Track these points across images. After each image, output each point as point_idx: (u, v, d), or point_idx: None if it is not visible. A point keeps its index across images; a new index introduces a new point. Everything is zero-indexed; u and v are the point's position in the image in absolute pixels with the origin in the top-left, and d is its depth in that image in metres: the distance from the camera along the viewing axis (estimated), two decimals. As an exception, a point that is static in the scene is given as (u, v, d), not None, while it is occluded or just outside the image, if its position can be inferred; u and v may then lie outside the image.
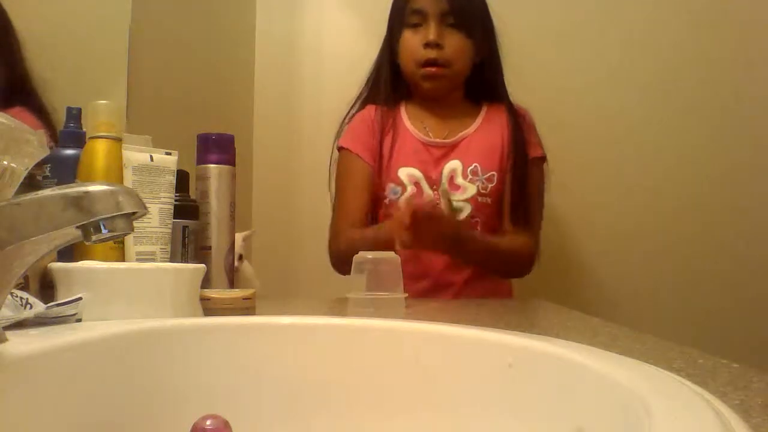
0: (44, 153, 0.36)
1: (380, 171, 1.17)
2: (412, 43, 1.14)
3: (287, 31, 1.67)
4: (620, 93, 1.60)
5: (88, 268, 0.55)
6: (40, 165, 0.69)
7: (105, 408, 0.42)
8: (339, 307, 0.83)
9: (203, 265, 0.61)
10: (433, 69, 1.13)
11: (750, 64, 1.57)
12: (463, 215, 1.14)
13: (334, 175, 1.22)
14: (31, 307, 0.45)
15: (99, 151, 0.67)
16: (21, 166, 0.34)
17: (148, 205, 0.63)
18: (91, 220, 0.33)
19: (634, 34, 1.60)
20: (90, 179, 0.66)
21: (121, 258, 0.67)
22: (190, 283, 0.59)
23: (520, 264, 1.17)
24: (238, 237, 0.99)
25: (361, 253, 0.82)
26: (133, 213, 0.34)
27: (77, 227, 0.33)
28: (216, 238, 0.81)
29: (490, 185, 1.15)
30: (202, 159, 0.82)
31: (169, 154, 0.72)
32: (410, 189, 1.15)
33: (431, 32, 1.12)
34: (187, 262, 0.76)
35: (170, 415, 0.45)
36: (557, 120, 1.51)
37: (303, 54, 1.66)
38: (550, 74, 1.58)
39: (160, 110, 1.17)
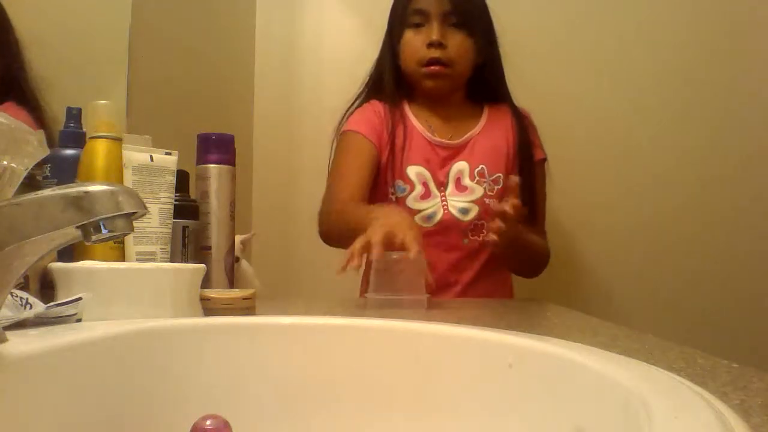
0: (44, 153, 0.36)
1: (388, 165, 1.16)
2: (415, 43, 1.14)
3: (287, 31, 1.67)
4: (619, 94, 1.60)
5: (88, 268, 0.55)
6: (40, 165, 0.69)
7: (105, 408, 0.42)
8: (339, 307, 0.83)
9: (203, 265, 0.61)
10: (436, 68, 1.13)
11: (749, 64, 1.58)
12: (470, 217, 1.13)
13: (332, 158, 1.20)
14: (31, 307, 0.45)
15: (99, 151, 0.67)
16: (21, 166, 0.34)
17: (148, 205, 0.63)
18: (91, 220, 0.33)
19: (633, 35, 1.60)
20: (90, 179, 0.66)
21: (121, 258, 0.67)
22: (190, 283, 0.59)
23: (543, 264, 1.20)
24: (236, 239, 0.99)
25: (385, 253, 0.79)
26: (133, 213, 0.34)
27: (77, 227, 0.33)
28: (216, 238, 0.81)
29: (496, 187, 1.15)
30: (202, 159, 0.82)
31: (169, 154, 0.72)
32: (419, 188, 1.14)
33: (434, 32, 1.11)
34: (187, 262, 0.76)
35: (170, 415, 0.45)
36: (557, 120, 1.51)
37: (303, 54, 1.66)
38: (550, 75, 1.58)
39: (160, 110, 1.17)
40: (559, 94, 1.58)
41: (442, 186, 1.15)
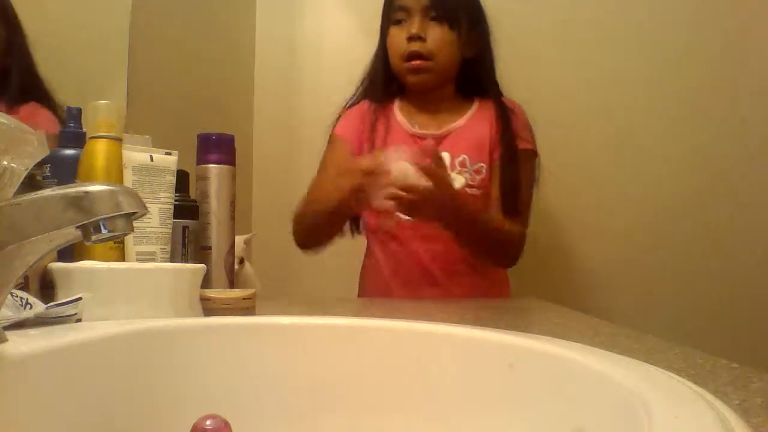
0: (44, 153, 0.36)
1: None
2: (397, 38, 1.16)
3: (287, 31, 1.67)
4: (617, 90, 1.60)
5: (88, 268, 0.55)
6: (40, 165, 0.69)
7: (105, 408, 0.42)
8: (339, 307, 0.83)
9: (203, 265, 0.61)
10: (417, 62, 1.14)
11: (749, 64, 1.57)
12: None
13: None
14: (31, 307, 0.44)
15: (99, 151, 0.67)
16: (21, 166, 0.34)
17: (148, 205, 0.63)
18: (91, 220, 0.33)
19: (632, 29, 1.60)
20: (90, 179, 0.66)
21: (121, 258, 0.67)
22: (190, 283, 0.59)
23: (508, 248, 1.15)
24: (239, 240, 0.99)
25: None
26: (133, 213, 0.34)
27: (77, 227, 0.33)
28: (216, 238, 0.81)
29: (478, 177, 1.15)
30: (202, 159, 0.82)
31: (169, 154, 0.72)
32: None
33: (414, 26, 1.13)
34: (187, 262, 0.76)
35: (170, 415, 0.45)
36: (554, 117, 1.51)
37: (303, 54, 1.66)
38: (547, 71, 1.58)
39: (160, 110, 1.17)
40: (556, 90, 1.58)
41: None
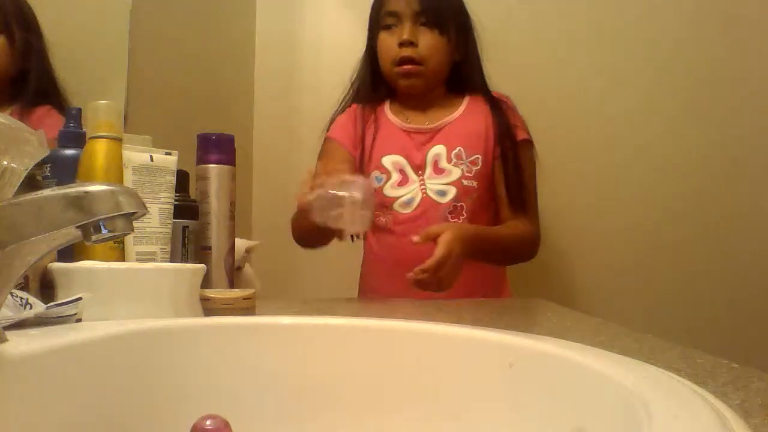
0: (44, 153, 0.36)
1: (362, 162, 1.19)
2: (388, 43, 1.17)
3: (287, 31, 1.67)
4: (615, 90, 1.60)
5: (88, 268, 0.55)
6: (40, 165, 0.69)
7: (105, 408, 0.42)
8: (339, 307, 0.83)
9: (203, 265, 0.61)
10: (409, 66, 1.15)
11: (749, 63, 1.57)
12: (448, 199, 1.14)
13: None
14: (31, 307, 0.44)
15: (99, 151, 0.67)
16: (21, 166, 0.34)
17: (148, 205, 0.63)
18: (91, 220, 0.33)
19: (632, 32, 1.60)
20: (90, 179, 0.66)
21: (121, 258, 0.67)
22: (190, 283, 0.59)
23: (527, 250, 1.19)
24: (242, 244, 0.99)
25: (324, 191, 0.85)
26: (133, 213, 0.34)
27: (77, 227, 0.33)
28: (216, 238, 0.81)
29: (474, 168, 1.16)
30: (202, 159, 0.82)
31: (169, 154, 0.72)
32: (395, 176, 1.16)
33: (405, 31, 1.14)
34: (187, 262, 0.76)
35: (170, 414, 0.45)
36: (555, 118, 1.51)
37: (303, 54, 1.66)
38: (547, 71, 1.58)
39: (160, 110, 1.17)
40: (554, 91, 1.58)
41: (420, 170, 1.17)
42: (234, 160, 0.84)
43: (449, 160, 1.16)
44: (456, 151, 1.16)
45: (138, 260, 0.68)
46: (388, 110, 1.23)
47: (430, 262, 0.93)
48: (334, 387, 0.49)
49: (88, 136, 0.69)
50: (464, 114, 1.21)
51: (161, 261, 0.70)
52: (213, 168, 0.82)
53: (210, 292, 0.67)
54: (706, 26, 1.58)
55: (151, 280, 0.55)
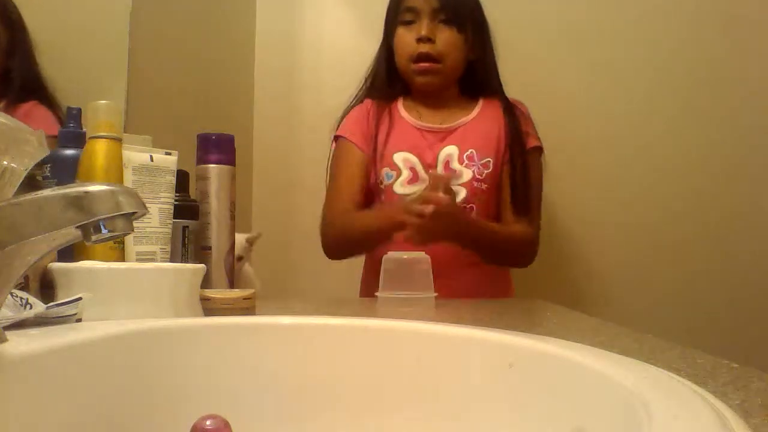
0: (44, 153, 0.36)
1: (375, 158, 1.18)
2: (406, 39, 1.17)
3: (287, 30, 1.67)
4: (615, 91, 1.60)
5: (88, 268, 0.55)
6: (40, 165, 0.69)
7: (105, 408, 0.42)
8: (339, 307, 0.83)
9: (203, 265, 0.61)
10: (426, 64, 1.15)
11: (749, 63, 1.57)
12: (457, 200, 1.15)
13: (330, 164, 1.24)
14: (31, 307, 0.44)
15: (99, 151, 0.67)
16: (21, 166, 0.34)
17: (148, 205, 0.63)
18: (91, 220, 0.33)
19: (633, 32, 1.60)
20: (90, 179, 0.66)
21: (121, 258, 0.67)
22: (190, 283, 0.59)
23: (520, 252, 1.19)
24: (241, 238, 0.99)
25: (391, 253, 0.84)
26: (133, 213, 0.34)
27: (77, 227, 0.33)
28: (216, 238, 0.81)
29: (486, 171, 1.16)
30: (202, 159, 0.82)
31: (169, 154, 0.72)
32: (405, 173, 1.16)
33: (423, 28, 1.14)
34: (187, 262, 0.76)
35: (170, 414, 0.45)
36: (556, 117, 1.51)
37: (303, 54, 1.66)
38: (546, 71, 1.58)
39: (160, 110, 1.17)
40: (559, 90, 1.58)
41: (431, 169, 1.17)
42: (234, 160, 0.84)
43: (461, 161, 1.16)
44: (468, 152, 1.16)
45: (138, 260, 0.68)
46: (401, 107, 1.23)
47: (430, 208, 0.95)
48: (334, 387, 0.49)
49: (88, 136, 0.69)
50: (478, 116, 1.21)
51: (161, 261, 0.70)
52: (213, 168, 0.82)
53: (210, 292, 0.67)
54: (706, 26, 1.58)
55: (151, 280, 0.55)
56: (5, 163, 0.33)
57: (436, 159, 1.17)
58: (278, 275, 1.56)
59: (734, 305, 1.52)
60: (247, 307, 0.68)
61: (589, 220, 1.59)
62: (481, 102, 1.23)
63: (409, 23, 1.17)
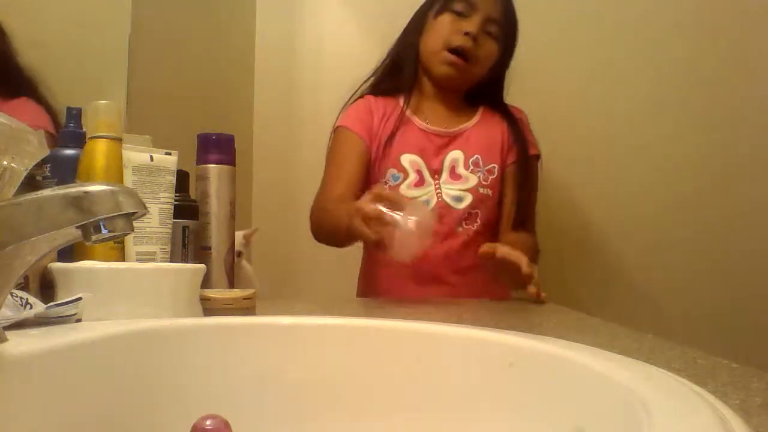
0: (44, 153, 0.36)
1: (378, 155, 1.17)
2: (452, 26, 1.13)
3: (287, 30, 1.67)
4: (615, 91, 1.60)
5: (88, 268, 0.55)
6: (40, 165, 0.69)
7: (105, 408, 0.42)
8: (339, 307, 0.83)
9: (203, 265, 0.61)
10: (458, 59, 1.13)
11: (749, 63, 1.57)
12: (463, 205, 1.14)
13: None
14: (31, 307, 0.45)
15: (99, 151, 0.67)
16: (21, 166, 0.34)
17: (148, 205, 0.63)
18: (91, 220, 0.33)
19: (634, 33, 1.60)
20: (90, 179, 0.66)
21: (121, 258, 0.67)
22: (190, 283, 0.59)
23: (537, 258, 1.18)
24: (239, 234, 0.99)
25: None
26: (133, 213, 0.34)
27: (77, 227, 0.33)
28: (216, 238, 0.81)
29: (491, 177, 1.16)
30: (202, 159, 0.82)
31: (169, 154, 0.72)
32: (412, 176, 1.15)
33: (474, 25, 1.12)
34: (187, 262, 0.76)
35: (170, 414, 0.45)
36: (557, 118, 1.51)
37: (303, 54, 1.66)
38: (551, 74, 1.58)
39: (160, 110, 1.17)
40: (557, 90, 1.58)
41: (436, 174, 1.16)
42: (234, 160, 0.84)
43: (466, 167, 1.16)
44: (473, 158, 1.16)
45: (138, 260, 0.68)
46: (407, 107, 1.21)
47: (528, 269, 0.88)
48: (334, 387, 0.49)
49: (88, 136, 0.69)
50: (480, 122, 1.20)
51: (161, 261, 0.70)
52: (213, 168, 0.82)
53: (210, 292, 0.67)
54: (707, 26, 1.58)
55: (151, 280, 0.55)
56: (5, 163, 0.33)
57: (441, 164, 1.16)
58: (278, 275, 1.56)
59: (734, 305, 1.52)
60: (247, 307, 0.68)
61: (588, 220, 1.59)
62: (481, 109, 1.23)
63: (459, 14, 1.13)
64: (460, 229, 1.15)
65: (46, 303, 0.46)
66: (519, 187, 1.17)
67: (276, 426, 0.48)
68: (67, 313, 0.47)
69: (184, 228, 0.77)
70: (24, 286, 0.56)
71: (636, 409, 0.27)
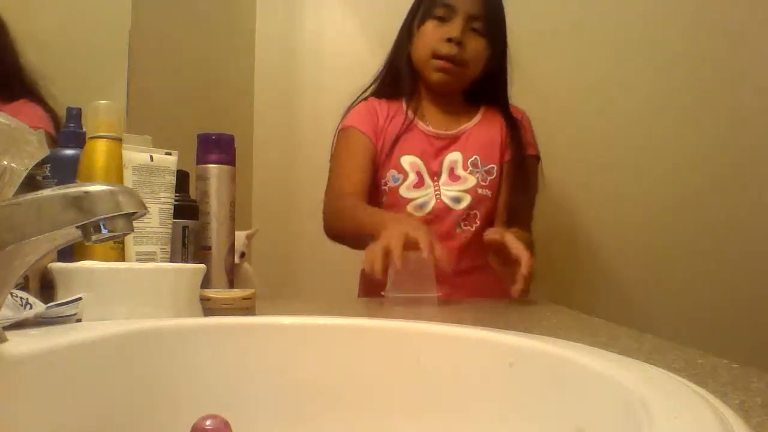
0: (44, 153, 0.36)
1: (383, 155, 1.17)
2: (435, 35, 1.14)
3: (287, 31, 1.67)
4: (615, 91, 1.60)
5: (88, 268, 0.55)
6: (40, 165, 0.69)
7: (105, 408, 0.42)
8: (339, 307, 0.83)
9: (203, 265, 0.61)
10: (448, 64, 1.13)
11: (749, 63, 1.57)
12: (462, 206, 1.14)
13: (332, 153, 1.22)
14: (31, 307, 0.44)
15: (99, 151, 0.67)
16: (21, 166, 0.34)
17: (148, 205, 0.63)
18: (91, 220, 0.33)
19: (637, 33, 1.60)
20: (90, 179, 0.66)
21: (121, 258, 0.67)
22: (190, 283, 0.59)
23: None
24: (241, 235, 0.99)
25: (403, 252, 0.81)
26: (133, 213, 0.34)
27: (77, 227, 0.33)
28: (216, 238, 0.81)
29: (489, 178, 1.16)
30: (202, 159, 0.82)
31: (169, 154, 0.72)
32: (412, 177, 1.15)
33: (456, 29, 1.12)
34: (187, 262, 0.76)
35: (170, 414, 0.45)
36: (557, 118, 1.51)
37: (303, 54, 1.66)
38: (554, 73, 1.58)
39: (160, 110, 1.17)
40: (560, 91, 1.58)
41: (435, 176, 1.16)
42: (234, 160, 0.84)
43: (465, 168, 1.16)
44: (472, 159, 1.16)
45: (138, 260, 0.68)
46: (410, 109, 1.21)
47: (526, 270, 0.86)
48: (334, 387, 0.49)
49: (88, 136, 0.69)
50: (480, 123, 1.21)
51: (161, 261, 0.70)
52: (213, 168, 0.82)
53: (210, 292, 0.67)
54: (707, 26, 1.58)
55: (151, 280, 0.55)
56: (5, 163, 0.33)
57: (440, 165, 1.16)
58: (278, 275, 1.57)
59: (734, 305, 1.52)
60: (247, 307, 0.68)
61: (587, 221, 1.59)
62: (482, 109, 1.23)
63: (441, 19, 1.14)
64: (459, 229, 1.15)
65: (46, 303, 0.46)
66: (511, 186, 1.17)
67: (276, 426, 0.48)
68: (67, 313, 0.47)
69: (184, 228, 0.77)
70: (24, 286, 0.56)
71: (636, 409, 0.27)
